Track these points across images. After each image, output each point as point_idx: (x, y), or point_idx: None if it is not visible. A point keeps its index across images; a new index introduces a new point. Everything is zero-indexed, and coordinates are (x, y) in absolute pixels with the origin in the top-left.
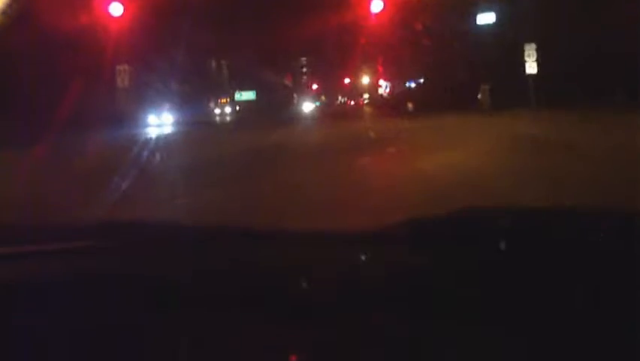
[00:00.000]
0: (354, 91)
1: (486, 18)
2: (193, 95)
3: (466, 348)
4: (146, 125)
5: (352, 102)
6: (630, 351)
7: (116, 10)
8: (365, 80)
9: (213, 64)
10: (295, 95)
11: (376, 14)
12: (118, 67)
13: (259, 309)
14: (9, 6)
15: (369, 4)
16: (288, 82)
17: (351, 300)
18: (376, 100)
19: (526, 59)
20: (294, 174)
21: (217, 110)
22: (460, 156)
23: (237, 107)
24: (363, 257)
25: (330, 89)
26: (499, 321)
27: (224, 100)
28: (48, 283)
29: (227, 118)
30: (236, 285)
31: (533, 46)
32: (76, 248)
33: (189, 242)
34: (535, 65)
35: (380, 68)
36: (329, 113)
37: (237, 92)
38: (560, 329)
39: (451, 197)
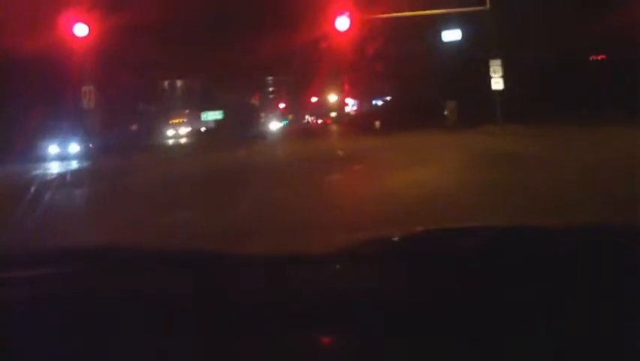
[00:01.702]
0: (322, 109)
1: (452, 35)
2: (122, 118)
3: None
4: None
5: (319, 121)
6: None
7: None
8: (332, 98)
9: (165, 84)
10: (262, 115)
11: (342, 32)
12: (84, 88)
13: (229, 330)
14: None
15: (334, 22)
16: (255, 101)
17: (320, 317)
18: (343, 118)
19: (492, 74)
20: (259, 193)
21: (169, 132)
22: (426, 174)
23: (203, 128)
24: (329, 276)
25: (297, 107)
26: (469, 337)
27: (178, 120)
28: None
29: (183, 140)
30: (201, 308)
31: (499, 62)
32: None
33: (153, 266)
34: (500, 80)
35: (346, 87)
36: (296, 131)
37: (204, 112)
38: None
39: (416, 215)
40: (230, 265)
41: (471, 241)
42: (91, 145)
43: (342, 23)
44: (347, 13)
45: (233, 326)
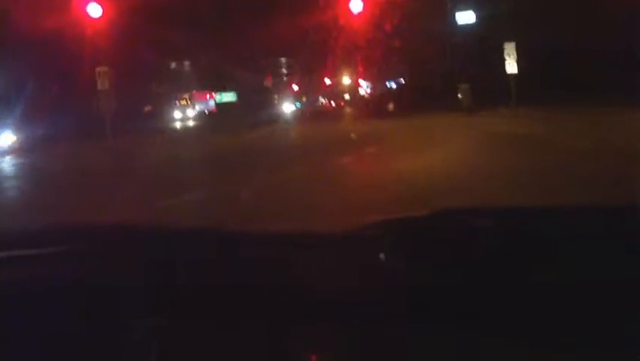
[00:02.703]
0: (335, 92)
1: (465, 17)
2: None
3: (444, 350)
4: None
5: (333, 103)
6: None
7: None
8: (345, 80)
9: (173, 64)
10: (276, 97)
11: (356, 14)
12: (97, 69)
13: (238, 311)
14: None
15: (349, 3)
16: (268, 83)
17: (328, 301)
18: (357, 101)
19: (506, 57)
20: (273, 174)
21: (177, 114)
22: (439, 157)
23: (207, 110)
24: (338, 258)
25: (310, 90)
26: (477, 323)
27: (185, 101)
28: (25, 288)
29: (190, 122)
30: (214, 285)
31: (513, 45)
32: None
33: (163, 244)
34: (515, 63)
35: (360, 68)
36: (309, 114)
37: (217, 93)
38: (543, 328)
39: (430, 198)
40: (235, 243)
41: (480, 222)
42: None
43: (357, 5)
44: None
45: (235, 308)
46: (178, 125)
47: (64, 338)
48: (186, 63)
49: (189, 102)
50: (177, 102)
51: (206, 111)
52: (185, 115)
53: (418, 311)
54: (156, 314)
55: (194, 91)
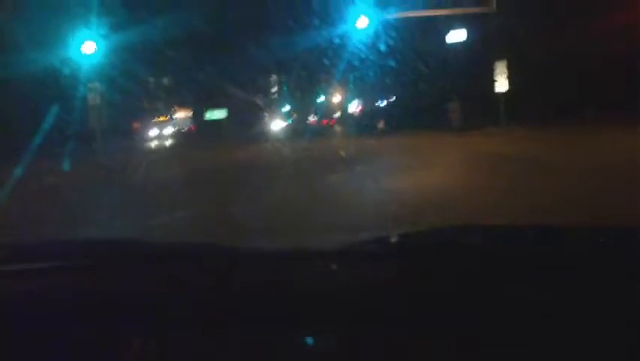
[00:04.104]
0: (326, 109)
1: (457, 36)
2: None
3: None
4: None
5: (323, 121)
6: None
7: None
8: (336, 98)
9: (151, 80)
10: (266, 114)
11: (347, 33)
12: (90, 85)
13: (235, 323)
14: None
15: (340, 22)
16: (259, 100)
17: (327, 313)
18: (347, 118)
19: (497, 76)
20: (262, 190)
21: (153, 133)
22: (428, 176)
23: (191, 127)
24: (335, 272)
25: (301, 107)
26: (473, 337)
27: (164, 117)
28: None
29: (167, 142)
30: (211, 300)
31: (504, 63)
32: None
33: (159, 259)
34: (505, 82)
35: (350, 88)
36: (299, 131)
37: (208, 110)
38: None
39: (420, 218)
40: (230, 259)
41: (471, 239)
42: None
43: (348, 24)
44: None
45: (232, 320)
46: (153, 144)
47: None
48: (176, 78)
49: (169, 119)
50: (155, 119)
51: (185, 128)
52: (161, 133)
53: (418, 321)
54: (153, 328)
55: (176, 106)
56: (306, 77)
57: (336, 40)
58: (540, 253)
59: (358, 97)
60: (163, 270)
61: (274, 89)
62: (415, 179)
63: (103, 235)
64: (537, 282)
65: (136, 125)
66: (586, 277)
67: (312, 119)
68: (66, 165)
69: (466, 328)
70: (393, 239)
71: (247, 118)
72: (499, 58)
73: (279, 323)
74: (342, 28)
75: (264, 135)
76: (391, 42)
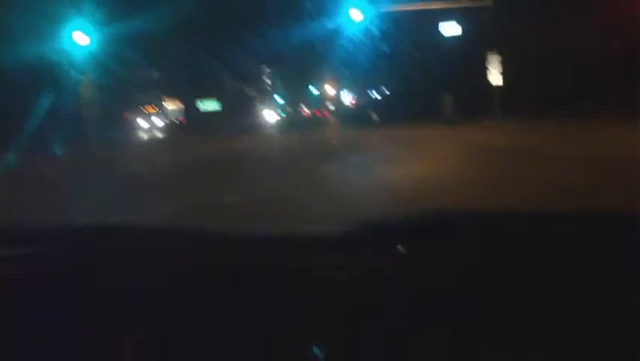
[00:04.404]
0: (319, 101)
1: (452, 29)
2: None
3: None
4: None
5: (317, 112)
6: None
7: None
8: (330, 90)
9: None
10: (260, 106)
11: (342, 25)
12: (84, 75)
13: (231, 311)
14: None
15: (335, 14)
16: (251, 91)
17: (321, 302)
18: (341, 110)
19: (491, 69)
20: (257, 180)
21: (143, 123)
22: (422, 167)
23: (182, 119)
24: (326, 260)
25: (294, 99)
26: (470, 324)
27: (152, 108)
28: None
29: (159, 133)
30: (207, 287)
31: (497, 55)
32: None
33: (157, 248)
34: (499, 75)
35: (344, 79)
36: (294, 123)
37: (200, 100)
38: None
39: (408, 203)
40: (231, 246)
41: (464, 223)
42: None
43: (344, 16)
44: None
45: (230, 308)
46: (142, 136)
47: (56, 341)
48: (169, 69)
49: (158, 110)
50: (144, 109)
51: (176, 120)
52: (152, 125)
53: (416, 309)
54: (152, 319)
55: (165, 97)
56: (300, 68)
57: (331, 33)
58: (535, 238)
59: (352, 89)
60: (156, 260)
61: (268, 81)
62: (409, 170)
63: (90, 224)
64: (536, 270)
65: (127, 115)
66: (576, 261)
67: (306, 110)
68: (58, 152)
69: (466, 317)
70: (386, 226)
71: (240, 110)
72: (494, 51)
73: (277, 317)
74: (336, 21)
75: (257, 127)
76: (386, 34)
